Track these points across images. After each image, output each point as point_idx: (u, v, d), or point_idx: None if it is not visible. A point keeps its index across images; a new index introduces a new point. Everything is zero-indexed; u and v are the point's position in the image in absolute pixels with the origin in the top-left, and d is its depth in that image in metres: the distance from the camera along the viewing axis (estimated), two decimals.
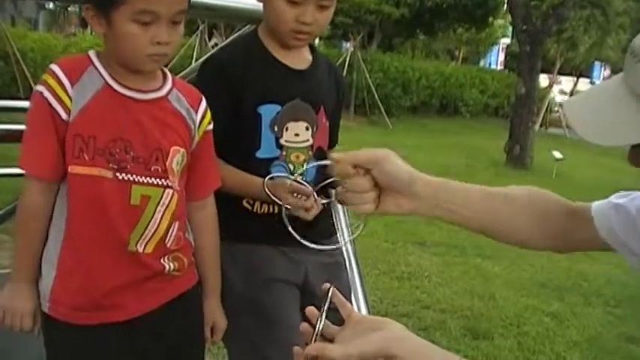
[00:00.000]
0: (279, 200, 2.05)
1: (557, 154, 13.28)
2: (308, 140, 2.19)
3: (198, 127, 1.94)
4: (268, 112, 2.14)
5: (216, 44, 22.18)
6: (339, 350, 1.19)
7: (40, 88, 1.74)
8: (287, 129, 2.15)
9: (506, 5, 22.40)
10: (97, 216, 1.77)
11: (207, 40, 18.94)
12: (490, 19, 27.28)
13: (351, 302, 2.30)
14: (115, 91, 1.78)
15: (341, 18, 20.30)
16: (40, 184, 1.77)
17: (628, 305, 6.03)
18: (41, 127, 1.74)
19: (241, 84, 2.12)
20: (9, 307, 1.82)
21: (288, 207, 2.03)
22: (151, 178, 1.81)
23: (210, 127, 1.98)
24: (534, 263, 6.98)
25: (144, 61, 1.77)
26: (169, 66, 1.99)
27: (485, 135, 18.94)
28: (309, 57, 2.26)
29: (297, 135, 2.16)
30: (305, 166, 2.15)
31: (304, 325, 1.29)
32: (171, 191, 1.85)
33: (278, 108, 2.14)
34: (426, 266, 6.42)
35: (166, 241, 1.87)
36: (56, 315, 1.83)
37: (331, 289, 1.32)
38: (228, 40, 2.67)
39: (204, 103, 1.96)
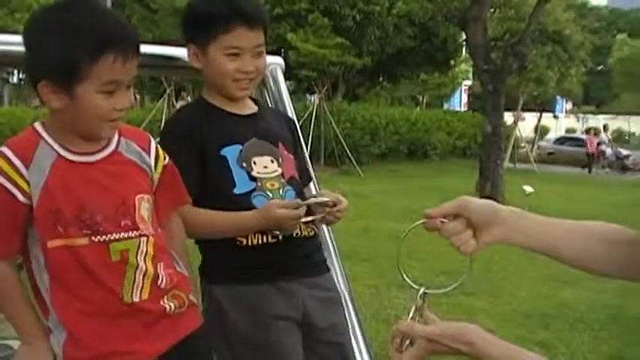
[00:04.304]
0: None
1: (528, 188, 13.41)
2: (276, 171, 2.30)
3: (155, 167, 1.99)
4: (231, 152, 2.26)
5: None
6: (423, 329, 1.44)
7: None
8: (255, 163, 2.27)
9: (465, 47, 22.81)
10: (84, 281, 1.81)
11: (174, 102, 19.03)
12: (452, 62, 27.78)
13: (350, 340, 2.37)
14: (69, 160, 1.82)
15: (305, 72, 20.55)
16: (1, 262, 1.82)
17: (612, 327, 6.13)
18: None
19: (201, 135, 2.24)
20: None
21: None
22: (124, 232, 1.85)
23: (167, 161, 2.02)
24: (516, 295, 7.07)
25: (105, 129, 1.84)
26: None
27: (455, 176, 19.11)
28: (254, 106, 2.42)
29: (265, 167, 2.29)
30: (282, 192, 2.27)
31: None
32: (145, 239, 1.89)
33: (239, 147, 2.27)
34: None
35: (159, 282, 1.91)
36: None
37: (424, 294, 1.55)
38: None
39: (153, 142, 2.01)
